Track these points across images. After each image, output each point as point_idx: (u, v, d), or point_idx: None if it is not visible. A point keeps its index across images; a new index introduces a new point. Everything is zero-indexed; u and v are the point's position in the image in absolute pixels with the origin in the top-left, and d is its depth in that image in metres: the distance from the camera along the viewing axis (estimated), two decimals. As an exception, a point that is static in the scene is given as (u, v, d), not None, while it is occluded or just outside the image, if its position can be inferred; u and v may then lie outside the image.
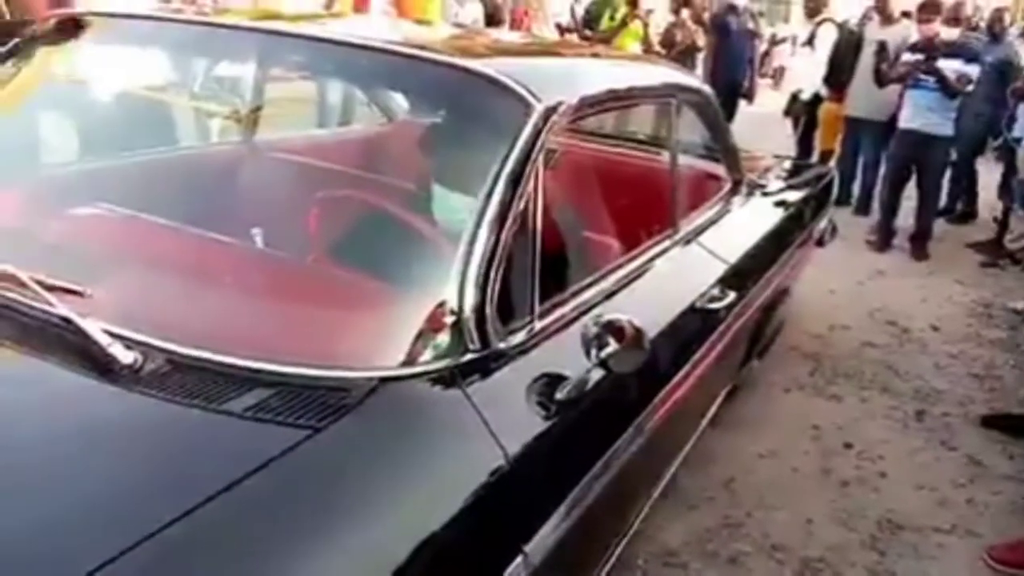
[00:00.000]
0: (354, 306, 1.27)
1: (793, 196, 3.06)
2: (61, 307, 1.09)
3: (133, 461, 0.92)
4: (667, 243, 1.95)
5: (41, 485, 0.87)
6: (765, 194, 2.83)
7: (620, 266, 1.72)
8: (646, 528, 2.14)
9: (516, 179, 1.31)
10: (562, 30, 7.68)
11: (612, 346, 1.31)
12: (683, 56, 6.67)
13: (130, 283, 1.22)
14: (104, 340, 1.04)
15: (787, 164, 3.69)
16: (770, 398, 3.08)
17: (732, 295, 2.03)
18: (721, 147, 2.55)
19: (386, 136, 2.22)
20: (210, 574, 0.82)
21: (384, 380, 1.10)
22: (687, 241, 2.06)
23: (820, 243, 3.62)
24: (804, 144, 6.18)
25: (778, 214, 2.77)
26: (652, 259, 1.85)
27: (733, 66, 6.61)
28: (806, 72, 6.09)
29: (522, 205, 1.32)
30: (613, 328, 1.32)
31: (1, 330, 1.12)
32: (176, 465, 0.92)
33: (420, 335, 1.18)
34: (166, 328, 1.09)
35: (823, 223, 3.45)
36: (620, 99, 1.84)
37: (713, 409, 2.47)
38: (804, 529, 2.31)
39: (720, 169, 2.58)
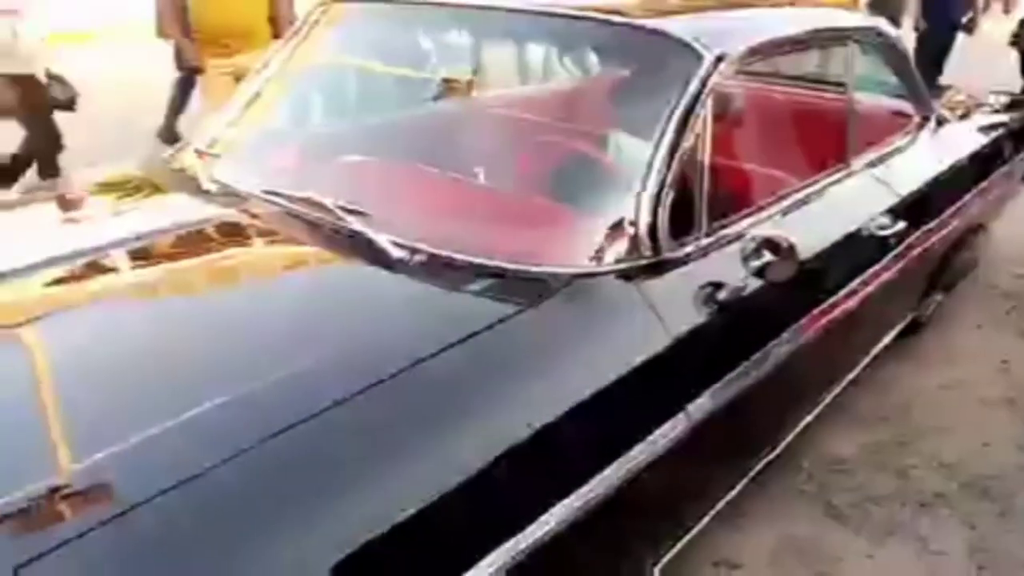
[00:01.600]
0: (555, 222, 1.64)
1: (991, 131, 3.01)
2: (353, 222, 1.55)
3: (403, 318, 1.35)
4: (839, 175, 2.12)
5: (344, 331, 1.32)
6: (958, 129, 2.84)
7: (787, 195, 1.94)
8: (815, 437, 2.35)
9: (686, 119, 1.60)
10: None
11: (767, 257, 1.59)
12: None
13: (395, 206, 1.66)
14: (383, 243, 1.48)
15: (1000, 99, 3.54)
16: (960, 333, 3.09)
17: (903, 224, 2.16)
18: (907, 84, 2.62)
19: (580, 90, 2.55)
20: (468, 388, 1.22)
21: (576, 276, 1.46)
22: (861, 173, 2.21)
23: (1027, 180, 3.48)
24: None
25: (970, 149, 2.77)
26: (821, 189, 2.04)
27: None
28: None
29: (692, 141, 1.61)
30: (769, 242, 1.60)
31: (312, 238, 1.60)
32: (430, 322, 1.34)
33: (603, 244, 1.52)
34: (423, 236, 1.51)
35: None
36: (790, 46, 2.04)
37: (889, 336, 2.59)
38: (979, 451, 2.40)
39: (907, 106, 2.65)
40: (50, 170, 4.05)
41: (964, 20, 6.32)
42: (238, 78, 3.33)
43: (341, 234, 1.57)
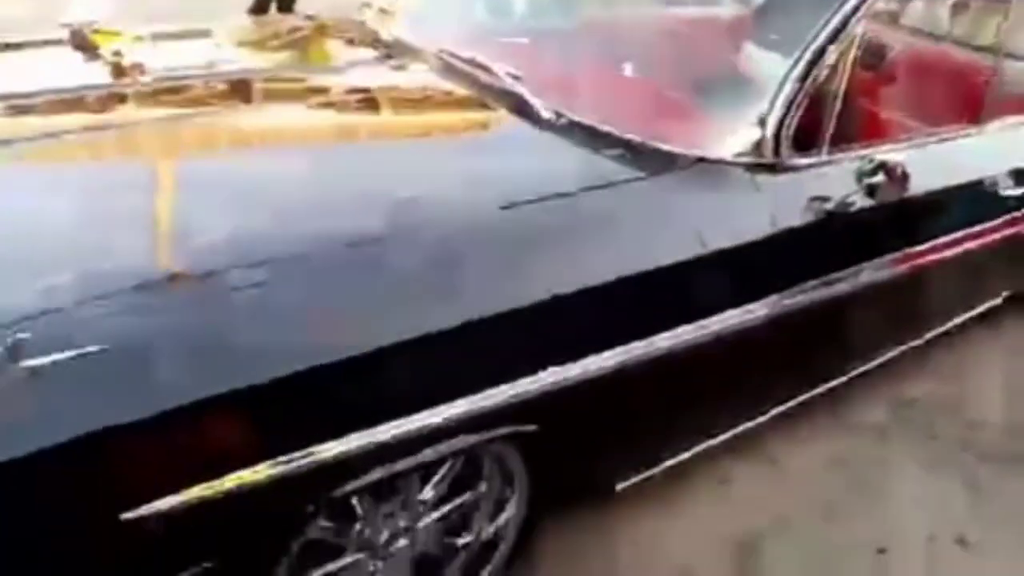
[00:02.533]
0: (690, 113, 1.82)
1: None
2: (513, 83, 1.76)
3: (544, 163, 1.58)
4: (968, 131, 2.18)
5: (487, 160, 1.55)
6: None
7: (912, 138, 2.03)
8: (892, 377, 2.45)
9: (830, 41, 1.72)
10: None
11: (880, 177, 1.72)
12: None
13: (549, 80, 1.86)
14: (536, 102, 1.69)
15: None
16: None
17: (1022, 191, 2.21)
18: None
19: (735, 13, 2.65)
20: (582, 230, 1.44)
21: (700, 159, 1.64)
22: (993, 134, 2.25)
23: None
24: None
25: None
26: (947, 139, 2.11)
27: None
28: None
29: (830, 65, 1.73)
30: (884, 165, 1.72)
31: (476, 92, 1.83)
32: (565, 169, 1.56)
33: (730, 139, 1.68)
34: (571, 104, 1.71)
35: None
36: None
37: (988, 302, 2.64)
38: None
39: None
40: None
41: None
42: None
43: (500, 92, 1.79)
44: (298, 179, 1.46)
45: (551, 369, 1.34)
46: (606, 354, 1.42)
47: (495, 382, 1.29)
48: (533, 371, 1.33)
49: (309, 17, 2.37)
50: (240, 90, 1.81)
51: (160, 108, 1.71)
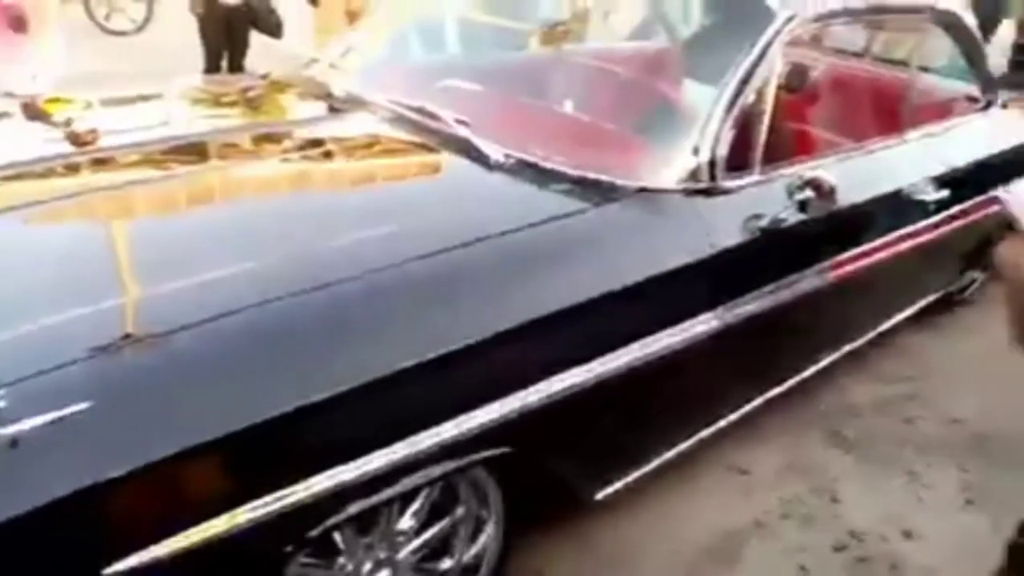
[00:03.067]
0: (628, 145, 1.93)
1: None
2: (460, 128, 1.86)
3: (496, 202, 1.68)
4: (889, 142, 2.34)
5: (437, 210, 1.64)
6: (1018, 117, 2.99)
7: (837, 152, 2.18)
8: (834, 384, 2.60)
9: (752, 70, 1.85)
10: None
11: (809, 193, 1.85)
12: None
13: (494, 124, 1.95)
14: (484, 146, 1.79)
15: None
16: (991, 314, 3.23)
17: (944, 193, 2.37)
18: (974, 68, 2.79)
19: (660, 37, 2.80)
20: (533, 262, 1.53)
21: (641, 189, 1.75)
22: (913, 143, 2.41)
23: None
24: None
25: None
26: (871, 151, 2.27)
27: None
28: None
29: (755, 91, 1.87)
30: (812, 181, 1.86)
31: (425, 139, 1.92)
32: (515, 207, 1.66)
33: (668, 168, 1.80)
34: (516, 144, 1.81)
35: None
36: (860, 16, 2.25)
37: (921, 303, 2.80)
38: (986, 415, 2.61)
39: (972, 88, 2.82)
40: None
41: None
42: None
43: (448, 137, 1.88)
44: (259, 232, 1.53)
45: (519, 393, 1.43)
46: (571, 373, 1.50)
47: (466, 409, 1.36)
48: (502, 396, 1.41)
49: (262, 76, 2.44)
50: (197, 151, 1.87)
51: (119, 173, 1.76)
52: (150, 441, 1.09)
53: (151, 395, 1.13)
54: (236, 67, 4.41)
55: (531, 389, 1.44)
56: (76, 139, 1.81)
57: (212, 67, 4.38)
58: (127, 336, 1.18)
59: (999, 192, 0.59)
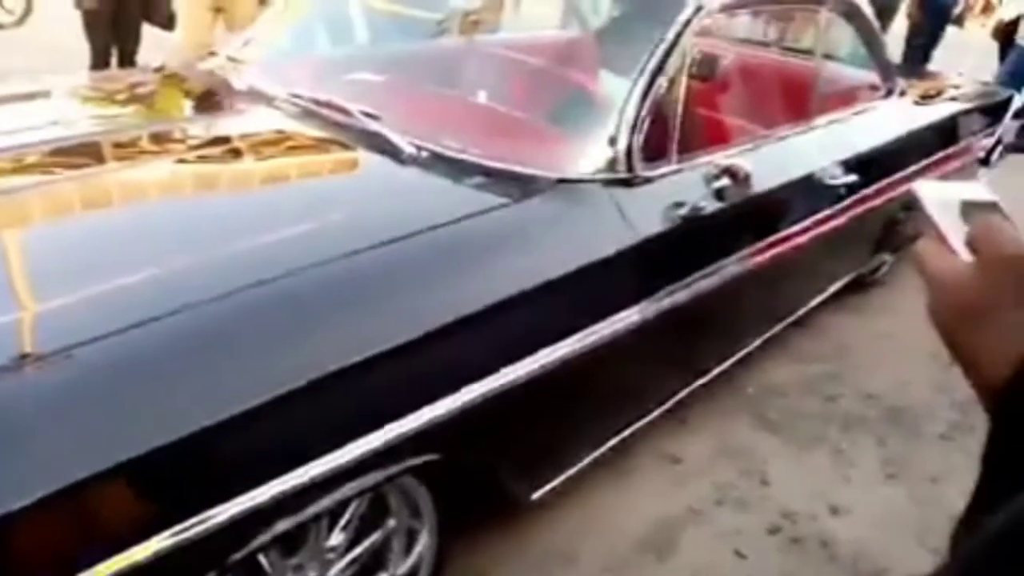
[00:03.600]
0: (546, 137, 1.90)
1: (950, 110, 3.29)
2: (370, 122, 1.79)
3: (411, 198, 1.61)
4: (798, 129, 2.39)
5: (350, 209, 1.56)
6: (919, 104, 3.11)
7: (750, 140, 2.20)
8: (757, 366, 2.65)
9: (664, 60, 1.85)
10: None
11: (725, 181, 1.86)
12: None
13: (406, 116, 1.90)
14: (396, 139, 1.72)
15: (966, 84, 3.81)
16: (903, 294, 3.40)
17: (851, 179, 2.44)
18: (874, 56, 2.88)
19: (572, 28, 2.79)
20: (453, 260, 1.48)
21: (560, 180, 1.72)
22: (821, 129, 2.47)
23: (985, 162, 3.78)
24: None
25: (925, 122, 3.04)
26: (782, 138, 2.31)
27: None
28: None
29: (668, 80, 1.86)
30: (728, 169, 1.86)
31: (334, 134, 1.84)
32: (431, 202, 1.60)
33: (585, 158, 1.78)
34: (430, 137, 1.75)
35: (985, 141, 3.61)
36: (766, 4, 2.29)
37: (835, 285, 2.89)
38: (900, 388, 2.72)
39: (872, 75, 2.91)
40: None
41: (956, 11, 6.56)
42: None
43: (359, 132, 1.81)
44: (163, 237, 1.43)
45: (445, 397, 1.36)
46: (499, 374, 1.45)
47: (391, 417, 1.29)
48: (428, 401, 1.34)
49: (157, 69, 2.30)
50: (91, 152, 1.74)
51: (6, 178, 1.62)
52: (54, 468, 0.99)
53: (53, 417, 1.03)
54: (129, 62, 4.11)
55: (458, 392, 1.39)
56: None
57: (100, 63, 4.05)
58: (25, 355, 1.08)
59: (913, 185, 0.57)
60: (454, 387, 1.38)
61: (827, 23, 2.55)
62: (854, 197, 2.52)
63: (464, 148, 1.74)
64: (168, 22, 4.11)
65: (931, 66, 5.86)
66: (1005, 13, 5.85)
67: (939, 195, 0.57)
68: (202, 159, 1.81)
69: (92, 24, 4.00)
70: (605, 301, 1.68)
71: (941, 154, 3.13)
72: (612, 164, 1.77)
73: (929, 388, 2.73)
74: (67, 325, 1.13)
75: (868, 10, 2.83)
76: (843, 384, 2.71)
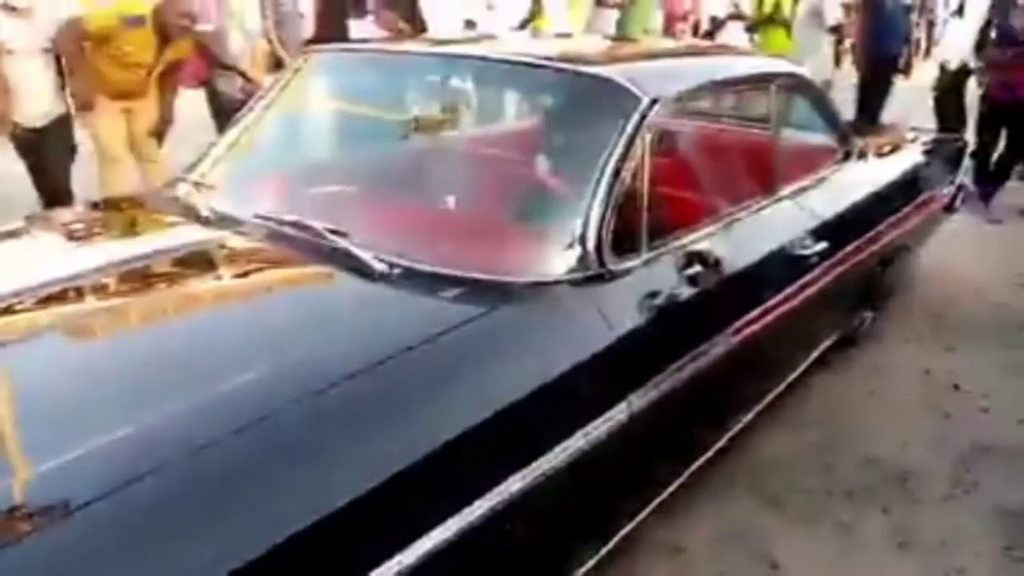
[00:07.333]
0: (512, 240, 1.90)
1: (909, 164, 3.36)
2: (339, 240, 1.78)
3: (384, 319, 1.59)
4: (764, 202, 2.41)
5: (325, 334, 1.54)
6: (877, 162, 3.17)
7: (718, 219, 2.21)
8: (750, 439, 2.60)
9: (625, 154, 1.87)
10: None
11: (696, 267, 1.85)
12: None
13: (373, 229, 1.89)
14: (365, 257, 1.71)
15: (920, 136, 3.91)
16: (887, 348, 3.39)
17: (824, 245, 2.45)
18: (829, 123, 2.95)
19: (535, 128, 2.83)
20: (435, 379, 1.45)
21: (533, 284, 1.71)
22: (785, 201, 2.50)
23: (950, 208, 3.84)
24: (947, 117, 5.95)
25: (887, 180, 3.09)
26: (748, 214, 2.32)
27: (887, 40, 6.60)
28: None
29: (631, 173, 1.88)
30: (698, 254, 1.87)
31: (303, 255, 1.83)
32: (407, 321, 1.58)
33: (556, 259, 1.77)
34: (401, 254, 1.74)
35: (947, 189, 3.68)
36: (718, 88, 2.34)
37: (819, 349, 2.88)
38: (898, 449, 2.67)
39: (830, 140, 2.97)
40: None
41: (900, 63, 6.76)
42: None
43: (327, 251, 1.79)
44: (144, 383, 1.40)
45: (439, 527, 1.32)
46: (492, 493, 1.41)
47: (388, 555, 1.25)
48: (422, 531, 1.30)
49: (123, 201, 2.30)
50: (68, 294, 1.71)
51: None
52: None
53: None
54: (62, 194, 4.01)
55: (457, 516, 1.35)
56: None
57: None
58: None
59: None
60: (442, 516, 1.34)
61: (778, 97, 2.60)
62: (827, 263, 2.53)
63: (433, 260, 1.73)
64: (71, 151, 4.11)
65: (885, 116, 6.04)
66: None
67: None
68: (171, 295, 1.78)
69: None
70: (591, 403, 1.65)
71: (908, 208, 3.18)
72: (583, 261, 1.77)
73: (927, 445, 2.69)
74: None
75: (813, 78, 2.91)
76: (839, 450, 2.66)
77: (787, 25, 6.46)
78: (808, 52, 5.92)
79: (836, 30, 6.50)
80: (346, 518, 1.21)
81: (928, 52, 9.95)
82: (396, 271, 1.70)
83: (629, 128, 1.90)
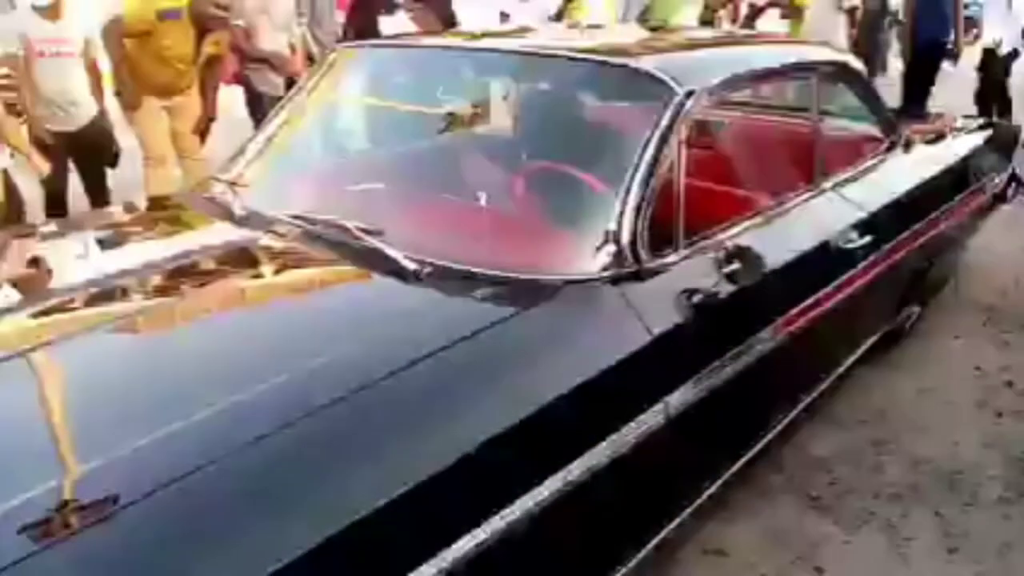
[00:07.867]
0: (548, 238, 1.87)
1: (958, 154, 3.23)
2: (372, 240, 1.76)
3: (420, 319, 1.57)
4: (807, 194, 2.34)
5: (360, 335, 1.53)
6: (924, 152, 3.06)
7: (757, 213, 2.15)
8: (794, 438, 2.54)
9: (660, 148, 1.82)
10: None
11: (735, 264, 1.80)
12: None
13: (406, 228, 1.87)
14: (399, 256, 1.69)
15: (969, 124, 3.76)
16: (937, 344, 3.28)
17: (868, 238, 2.37)
18: (873, 111, 2.85)
19: (572, 122, 2.78)
20: (472, 379, 1.43)
21: (568, 282, 1.67)
22: (828, 192, 2.42)
23: (1002, 199, 3.70)
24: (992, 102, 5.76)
25: (934, 171, 2.97)
26: (789, 207, 2.25)
27: (935, 26, 6.40)
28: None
29: (667, 167, 1.83)
30: (737, 250, 1.81)
31: (337, 255, 1.82)
32: (439, 319, 1.57)
33: (592, 256, 1.73)
34: (433, 252, 1.72)
35: (1000, 178, 3.54)
36: (756, 79, 2.27)
37: (864, 346, 2.78)
38: (949, 449, 2.58)
39: (875, 130, 2.87)
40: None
41: (949, 47, 6.54)
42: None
43: (360, 251, 1.78)
44: (179, 384, 1.41)
45: (478, 527, 1.30)
46: (546, 484, 1.40)
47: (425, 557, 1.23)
48: (460, 531, 1.28)
49: (160, 202, 2.32)
50: (102, 298, 1.73)
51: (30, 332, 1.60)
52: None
53: None
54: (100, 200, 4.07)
55: (496, 516, 1.33)
56: None
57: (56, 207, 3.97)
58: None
59: None
60: (482, 517, 1.31)
61: (820, 85, 2.51)
62: (872, 256, 2.44)
63: (468, 259, 1.70)
64: (114, 160, 4.17)
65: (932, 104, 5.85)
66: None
67: None
68: (205, 298, 1.78)
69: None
70: (629, 402, 1.61)
71: (957, 198, 3.06)
72: (619, 258, 1.73)
73: (979, 445, 2.59)
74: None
75: (857, 64, 2.81)
76: (888, 450, 2.58)
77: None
78: (825, 36, 5.76)
79: (851, 13, 6.31)
80: (387, 517, 1.20)
81: (978, 36, 9.62)
82: (428, 270, 1.68)
83: (664, 121, 1.85)
